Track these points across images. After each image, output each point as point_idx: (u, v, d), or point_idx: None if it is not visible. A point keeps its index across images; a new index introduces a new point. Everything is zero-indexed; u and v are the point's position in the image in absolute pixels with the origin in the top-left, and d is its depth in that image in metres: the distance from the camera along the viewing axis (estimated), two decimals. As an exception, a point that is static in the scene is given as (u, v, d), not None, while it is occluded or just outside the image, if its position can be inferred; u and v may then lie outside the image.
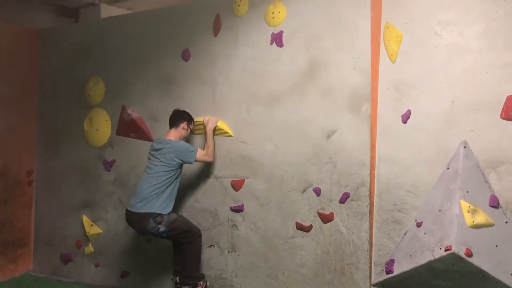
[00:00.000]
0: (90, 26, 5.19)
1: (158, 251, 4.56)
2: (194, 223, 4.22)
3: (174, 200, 4.02)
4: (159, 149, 3.99)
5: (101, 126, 4.95)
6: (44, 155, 5.35)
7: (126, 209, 4.04)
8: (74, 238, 5.10)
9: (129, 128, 4.77)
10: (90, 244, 4.99)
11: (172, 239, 4.08)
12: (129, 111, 4.76)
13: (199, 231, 4.15)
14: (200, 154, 4.04)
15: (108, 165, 4.90)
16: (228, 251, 4.20)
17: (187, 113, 4.20)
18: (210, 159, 4.13)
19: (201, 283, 4.09)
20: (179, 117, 4.14)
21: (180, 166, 4.02)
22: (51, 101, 5.32)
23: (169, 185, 3.96)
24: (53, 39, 5.33)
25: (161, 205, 3.92)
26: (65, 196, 5.18)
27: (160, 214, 3.90)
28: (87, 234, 4.99)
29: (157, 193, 3.91)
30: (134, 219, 3.95)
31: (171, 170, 3.95)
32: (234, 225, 4.19)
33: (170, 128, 4.13)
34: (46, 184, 5.33)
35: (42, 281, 5.08)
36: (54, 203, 5.26)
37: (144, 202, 3.90)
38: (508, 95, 3.17)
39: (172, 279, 4.26)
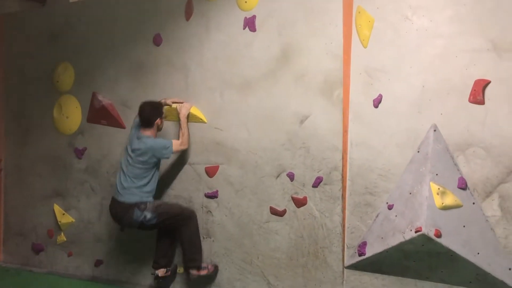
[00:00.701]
0: (58, 10, 5.05)
1: (131, 239, 4.52)
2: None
3: (155, 187, 4.00)
4: (137, 149, 3.91)
5: (71, 113, 4.84)
6: (12, 143, 5.21)
7: (112, 201, 4.00)
8: (46, 228, 5.01)
9: (100, 115, 4.68)
10: (62, 234, 4.91)
11: (165, 226, 4.01)
12: (100, 98, 4.67)
13: (192, 212, 4.10)
14: (176, 146, 4.00)
15: (79, 153, 4.82)
16: (203, 237, 4.20)
17: (157, 106, 4.05)
18: (185, 147, 4.09)
19: (209, 266, 4.06)
20: (151, 115, 3.98)
21: (159, 161, 4.01)
22: (19, 88, 5.17)
23: (149, 176, 3.94)
24: (18, 24, 5.16)
25: (144, 194, 3.91)
26: (36, 185, 5.07)
27: (143, 202, 3.88)
28: (59, 223, 4.90)
29: (138, 185, 3.89)
30: (119, 210, 3.92)
31: (150, 166, 3.94)
32: (209, 212, 4.18)
33: (145, 127, 3.99)
34: (15, 173, 5.20)
35: (13, 272, 4.98)
36: (24, 193, 5.14)
37: (126, 192, 3.88)
38: (476, 79, 3.23)
39: (152, 273, 4.19)
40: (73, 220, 4.86)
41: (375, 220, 3.51)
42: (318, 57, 3.72)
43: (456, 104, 3.28)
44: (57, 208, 4.92)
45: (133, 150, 3.94)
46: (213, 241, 4.17)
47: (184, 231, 4.01)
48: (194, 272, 4.00)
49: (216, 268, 4.11)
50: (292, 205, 3.85)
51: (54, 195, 4.96)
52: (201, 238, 4.18)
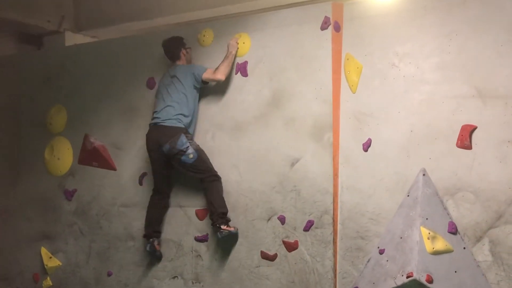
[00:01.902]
0: (53, 53, 5.15)
1: (120, 284, 4.42)
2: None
3: (195, 124, 4.09)
4: (174, 75, 4.00)
5: (63, 155, 4.85)
6: (1, 184, 5.16)
7: (151, 127, 3.99)
8: (31, 272, 4.89)
9: (91, 156, 4.68)
10: (48, 278, 4.79)
11: (196, 173, 3.94)
12: (92, 140, 4.69)
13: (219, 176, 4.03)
14: (209, 72, 3.98)
15: (69, 195, 4.78)
16: (192, 282, 4.12)
17: (176, 38, 4.16)
18: (218, 76, 3.95)
19: (234, 227, 3.91)
20: (174, 48, 4.13)
21: (196, 87, 4.03)
22: (11, 129, 5.18)
23: (191, 106, 4.00)
24: (14, 66, 5.24)
25: (187, 123, 3.97)
26: (23, 227, 4.99)
27: (189, 132, 3.95)
28: (46, 267, 4.79)
29: (182, 112, 3.94)
30: (162, 135, 3.89)
31: (191, 93, 3.99)
32: (199, 256, 4.12)
33: (174, 61, 4.13)
34: (3, 215, 5.12)
35: (-5, 318, 4.82)
36: (10, 235, 5.05)
37: (171, 118, 3.90)
38: (462, 124, 3.30)
39: (148, 245, 4.11)
40: (60, 264, 4.76)
41: (366, 265, 3.47)
42: (308, 101, 3.79)
43: (444, 148, 3.33)
44: (44, 251, 4.83)
45: (171, 76, 4.00)
46: (202, 286, 4.09)
47: (215, 186, 3.94)
48: (224, 227, 3.84)
49: (236, 229, 3.94)
50: (283, 249, 3.81)
51: (41, 238, 4.88)
52: (190, 283, 4.10)
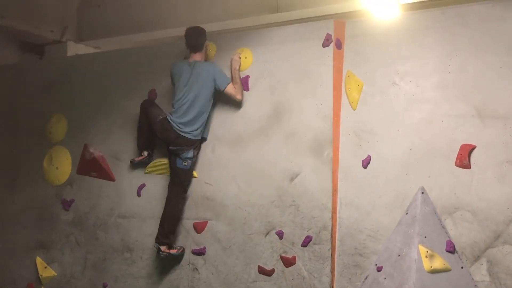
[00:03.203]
0: (55, 63, 5.17)
1: (115, 296, 4.39)
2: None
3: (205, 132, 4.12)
4: (196, 72, 3.93)
5: (62, 164, 4.84)
6: (-1, 192, 5.15)
7: (171, 121, 3.97)
8: (25, 282, 4.84)
9: (90, 166, 4.67)
10: (42, 288, 4.76)
11: (174, 178, 4.06)
12: (91, 150, 4.69)
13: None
14: (231, 86, 3.95)
15: (67, 204, 4.76)
16: (188, 296, 4.10)
17: (203, 30, 4.08)
18: (238, 96, 3.97)
19: (178, 248, 4.05)
20: (198, 38, 4.05)
21: (213, 94, 4.01)
22: (11, 137, 5.17)
23: (207, 115, 4.04)
24: (15, 74, 5.25)
25: (201, 132, 4.03)
26: (18, 236, 4.95)
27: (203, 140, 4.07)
28: (40, 277, 4.75)
29: (200, 126, 3.99)
30: (176, 142, 3.96)
31: (210, 98, 4.00)
32: (195, 269, 4.10)
33: (194, 52, 4.03)
34: (-1, 222, 5.10)
35: (-13, 328, 4.77)
36: (5, 243, 5.00)
37: (190, 132, 3.95)
38: (461, 143, 3.32)
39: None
40: (55, 274, 4.72)
41: (364, 282, 3.46)
42: (308, 117, 3.81)
43: (443, 167, 3.35)
44: (39, 261, 4.79)
45: (193, 70, 3.94)
46: (198, 300, 4.07)
47: (178, 204, 4.06)
48: (164, 248, 3.98)
49: (183, 250, 4.08)
50: (280, 265, 3.79)
51: (37, 247, 4.84)
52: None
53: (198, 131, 4.02)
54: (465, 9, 3.50)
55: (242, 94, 3.99)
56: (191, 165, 4.04)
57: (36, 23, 5.34)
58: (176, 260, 4.17)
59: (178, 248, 4.07)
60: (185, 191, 4.12)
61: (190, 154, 3.99)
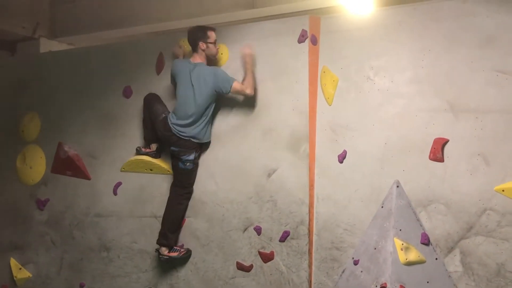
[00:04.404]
0: (27, 60, 5.06)
1: (92, 296, 4.34)
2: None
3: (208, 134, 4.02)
4: (195, 76, 3.83)
5: (35, 164, 4.75)
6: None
7: (170, 122, 3.88)
8: None
9: (65, 165, 4.60)
10: (17, 290, 4.67)
11: (176, 178, 3.99)
12: (66, 148, 4.61)
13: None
14: (237, 84, 3.78)
15: (41, 204, 4.68)
16: (167, 294, 4.08)
17: (199, 29, 3.91)
18: (248, 91, 3.78)
19: (181, 250, 3.96)
20: (192, 39, 3.91)
21: (214, 98, 3.89)
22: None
23: (209, 119, 3.94)
24: (-14, 72, 5.13)
25: (203, 137, 3.93)
26: (-8, 238, 4.86)
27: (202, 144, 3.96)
28: (15, 278, 4.66)
29: (200, 131, 3.90)
30: (178, 143, 3.88)
31: (211, 103, 3.89)
32: (173, 266, 4.08)
33: (193, 51, 3.95)
34: (-29, 224, 4.98)
35: (-40, 332, 4.66)
36: (-22, 246, 4.91)
37: (191, 135, 3.87)
38: (435, 137, 3.38)
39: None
40: (30, 276, 4.64)
41: (341, 275, 3.50)
42: (285, 113, 3.82)
43: (417, 161, 3.40)
44: (13, 262, 4.70)
45: (192, 73, 3.83)
46: (177, 297, 4.05)
47: (180, 205, 3.98)
48: (164, 250, 3.92)
49: (188, 252, 3.98)
50: (259, 260, 3.80)
51: (11, 248, 4.74)
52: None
53: (199, 134, 3.91)
54: (437, 5, 3.54)
55: (252, 88, 3.80)
56: (193, 166, 3.95)
57: (7, 19, 5.22)
58: (154, 258, 4.14)
59: (181, 250, 3.96)
60: (188, 191, 4.02)
61: (191, 156, 3.90)
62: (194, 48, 3.95)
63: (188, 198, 4.04)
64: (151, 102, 4.14)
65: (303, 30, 3.81)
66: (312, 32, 3.81)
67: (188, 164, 3.91)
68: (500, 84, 3.25)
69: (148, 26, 5.02)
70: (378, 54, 3.63)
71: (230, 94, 3.85)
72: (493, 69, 3.27)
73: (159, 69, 4.34)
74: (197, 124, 3.89)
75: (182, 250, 3.97)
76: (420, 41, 3.51)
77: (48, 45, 5.46)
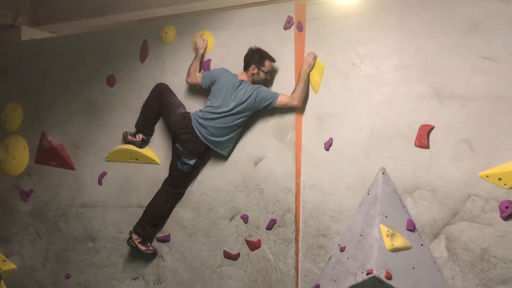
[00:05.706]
0: (8, 48, 4.95)
1: (78, 286, 4.30)
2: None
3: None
4: (238, 91, 3.70)
5: (18, 154, 4.68)
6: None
7: (195, 122, 3.78)
8: (-16, 276, 4.70)
9: (49, 155, 4.54)
10: (1, 282, 4.60)
11: (171, 176, 3.95)
12: (49, 138, 4.54)
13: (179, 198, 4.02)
14: (284, 97, 3.65)
15: (25, 195, 4.61)
16: (154, 283, 4.06)
17: (258, 52, 3.72)
18: (295, 103, 3.64)
19: (150, 248, 3.98)
20: (247, 59, 3.74)
21: (246, 118, 3.79)
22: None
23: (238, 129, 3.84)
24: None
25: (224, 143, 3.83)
26: (-25, 230, 4.79)
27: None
28: (-1, 270, 4.62)
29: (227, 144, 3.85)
30: (195, 144, 3.82)
31: (245, 119, 3.79)
32: (160, 256, 4.06)
33: (244, 69, 3.80)
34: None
35: None
36: (-39, 238, 4.83)
37: (211, 144, 3.81)
38: (420, 124, 3.38)
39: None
40: (15, 267, 4.59)
41: (327, 262, 3.51)
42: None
43: (403, 148, 3.41)
44: (-3, 254, 4.65)
45: (234, 88, 3.71)
46: (164, 287, 4.03)
47: (167, 203, 3.96)
48: (135, 238, 3.95)
49: (155, 253, 4.02)
50: (246, 248, 3.80)
51: (-5, 240, 4.70)
52: (152, 284, 4.04)
53: (221, 145, 3.82)
54: (423, -9, 3.53)
55: (301, 100, 3.64)
56: (190, 170, 3.89)
57: (-14, 6, 5.09)
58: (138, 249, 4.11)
59: (149, 248, 3.97)
60: (178, 192, 3.97)
61: (192, 161, 3.84)
62: (245, 67, 3.80)
63: (177, 199, 4.00)
64: (166, 93, 4.03)
65: (288, 16, 3.78)
66: (298, 19, 3.77)
67: (186, 166, 3.86)
68: (485, 70, 3.25)
69: (131, 14, 4.92)
70: (364, 41, 3.60)
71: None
72: (478, 55, 3.27)
73: (143, 57, 4.28)
74: (226, 136, 3.81)
75: (150, 248, 3.98)
76: (406, 27, 3.49)
77: (29, 33, 5.31)
